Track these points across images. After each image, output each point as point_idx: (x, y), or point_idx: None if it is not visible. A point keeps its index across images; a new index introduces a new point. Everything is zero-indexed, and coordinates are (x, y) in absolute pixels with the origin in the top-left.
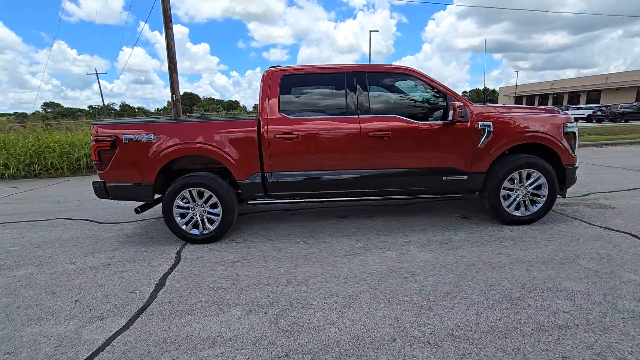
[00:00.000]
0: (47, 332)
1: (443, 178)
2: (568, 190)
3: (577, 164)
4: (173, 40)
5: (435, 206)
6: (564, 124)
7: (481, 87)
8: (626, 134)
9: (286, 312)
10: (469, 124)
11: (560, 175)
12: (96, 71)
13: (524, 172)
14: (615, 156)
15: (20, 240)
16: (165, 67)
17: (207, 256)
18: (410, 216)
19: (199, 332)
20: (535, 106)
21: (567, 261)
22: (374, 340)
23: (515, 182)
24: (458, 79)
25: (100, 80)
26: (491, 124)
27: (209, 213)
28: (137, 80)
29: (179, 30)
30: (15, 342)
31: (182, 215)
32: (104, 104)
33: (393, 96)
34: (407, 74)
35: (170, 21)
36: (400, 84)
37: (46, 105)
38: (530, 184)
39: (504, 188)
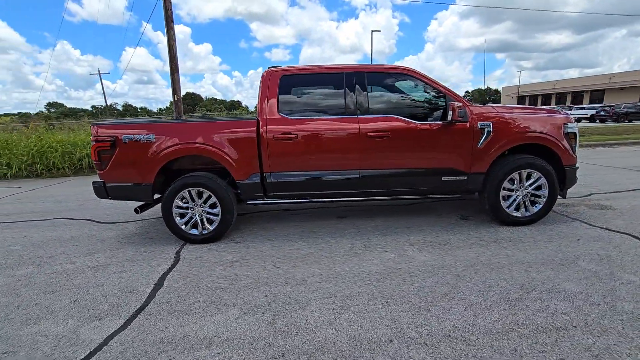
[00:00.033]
0: (45, 332)
1: (442, 178)
2: (569, 190)
3: (577, 165)
4: (174, 40)
5: (435, 207)
6: (564, 124)
7: (484, 87)
8: (629, 134)
9: (283, 312)
10: (468, 124)
11: (561, 175)
12: (99, 71)
13: (524, 173)
14: (618, 156)
15: (22, 239)
16: (167, 67)
17: (206, 256)
18: (410, 216)
19: (196, 332)
20: (536, 106)
21: (566, 262)
22: (370, 341)
23: (515, 182)
24: (461, 79)
25: (103, 81)
26: (491, 124)
27: (208, 213)
28: (139, 80)
29: (181, 30)
30: (14, 342)
31: (182, 215)
32: (106, 104)
33: (392, 96)
34: (406, 74)
35: (172, 21)
36: (399, 84)
37: (50, 105)
38: (530, 185)
39: (503, 188)
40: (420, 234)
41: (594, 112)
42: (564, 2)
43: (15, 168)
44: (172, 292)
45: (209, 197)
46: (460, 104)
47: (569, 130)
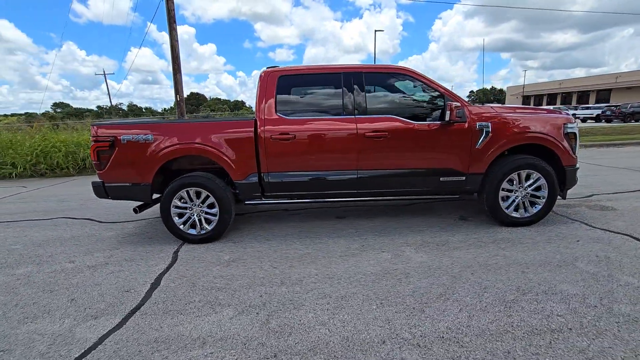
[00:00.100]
0: (42, 330)
1: (441, 179)
2: (570, 191)
3: (577, 165)
4: (177, 41)
5: (435, 207)
6: (564, 124)
7: (489, 87)
8: (635, 134)
9: (278, 312)
10: (466, 125)
11: (561, 176)
12: (104, 71)
13: (523, 173)
14: (622, 157)
15: (23, 238)
16: (172, 68)
17: (204, 256)
18: (408, 217)
19: (190, 332)
20: (537, 106)
21: (564, 263)
22: (363, 342)
23: (514, 183)
24: (465, 79)
25: (108, 81)
26: (489, 124)
27: (207, 213)
28: (144, 81)
29: (185, 30)
30: (11, 340)
31: (180, 215)
32: (111, 104)
33: (390, 96)
34: (404, 74)
35: (174, 22)
36: (397, 84)
37: (56, 105)
38: (529, 185)
39: (502, 189)
40: (418, 234)
41: (599, 111)
42: (571, 1)
43: (19, 168)
44: (169, 291)
45: (207, 197)
46: (458, 104)
47: (569, 130)
